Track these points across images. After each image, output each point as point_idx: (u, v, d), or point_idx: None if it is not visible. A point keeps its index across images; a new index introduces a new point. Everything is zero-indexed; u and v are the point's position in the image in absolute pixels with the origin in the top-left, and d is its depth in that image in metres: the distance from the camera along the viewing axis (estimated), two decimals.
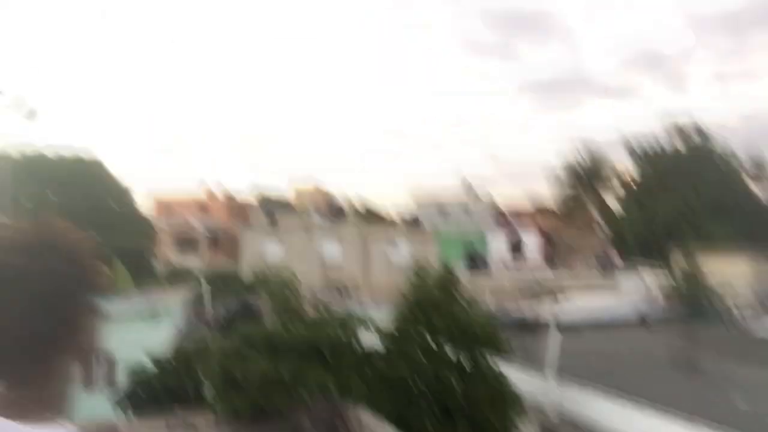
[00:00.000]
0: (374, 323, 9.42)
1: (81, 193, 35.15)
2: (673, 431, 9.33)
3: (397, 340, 9.28)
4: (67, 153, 38.68)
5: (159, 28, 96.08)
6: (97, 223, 23.68)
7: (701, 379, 12.14)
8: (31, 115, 11.65)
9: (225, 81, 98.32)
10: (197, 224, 44.39)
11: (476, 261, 36.68)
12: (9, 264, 1.12)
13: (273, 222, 40.75)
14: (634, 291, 25.95)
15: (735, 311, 24.47)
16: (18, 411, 1.17)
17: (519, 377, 10.05)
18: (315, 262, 34.24)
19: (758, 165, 43.72)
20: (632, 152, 46.42)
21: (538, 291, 26.56)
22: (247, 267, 35.66)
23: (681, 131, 44.69)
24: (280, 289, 9.11)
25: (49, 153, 37.76)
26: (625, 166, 48.43)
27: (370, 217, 47.47)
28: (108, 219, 33.79)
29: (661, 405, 9.96)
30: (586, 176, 50.24)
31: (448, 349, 9.22)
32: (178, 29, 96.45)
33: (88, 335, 1.25)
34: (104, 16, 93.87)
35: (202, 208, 48.39)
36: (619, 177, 49.51)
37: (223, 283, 30.45)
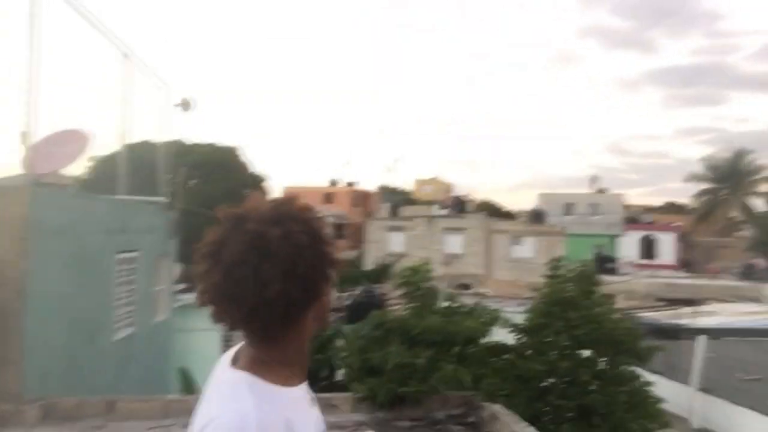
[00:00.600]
0: (507, 319, 9.29)
1: (218, 179, 37.36)
2: None
3: (532, 335, 9.10)
4: (206, 142, 41.28)
5: (294, 28, 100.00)
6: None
7: None
8: (187, 105, 12.46)
9: (354, 80, 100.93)
10: (323, 213, 45.89)
11: (605, 262, 35.17)
12: (265, 233, 1.22)
13: (396, 213, 41.27)
14: None
15: None
16: (264, 370, 1.28)
17: (658, 385, 9.54)
18: (436, 254, 34.29)
19: None
20: None
21: (674, 296, 25.08)
22: (370, 256, 36.42)
23: None
24: (413, 278, 9.17)
25: (190, 141, 40.42)
26: None
27: (493, 211, 46.88)
28: (241, 204, 35.88)
29: None
30: (728, 175, 46.66)
31: (586, 350, 8.92)
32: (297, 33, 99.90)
33: (325, 303, 1.35)
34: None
35: (328, 198, 49.91)
36: (766, 176, 45.56)
37: (348, 272, 31.33)
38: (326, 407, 7.51)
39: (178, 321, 12.63)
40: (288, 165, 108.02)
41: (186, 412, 1.29)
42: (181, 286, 13.91)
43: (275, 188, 49.48)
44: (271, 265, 1.20)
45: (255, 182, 42.58)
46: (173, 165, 13.68)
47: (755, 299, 26.22)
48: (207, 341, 10.75)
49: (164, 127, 13.04)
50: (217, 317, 1.26)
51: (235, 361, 1.33)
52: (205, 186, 36.47)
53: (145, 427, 6.95)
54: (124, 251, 9.89)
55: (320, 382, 10.36)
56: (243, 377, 1.26)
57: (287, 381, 1.30)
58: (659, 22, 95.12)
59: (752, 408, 9.94)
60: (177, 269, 13.64)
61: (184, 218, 13.43)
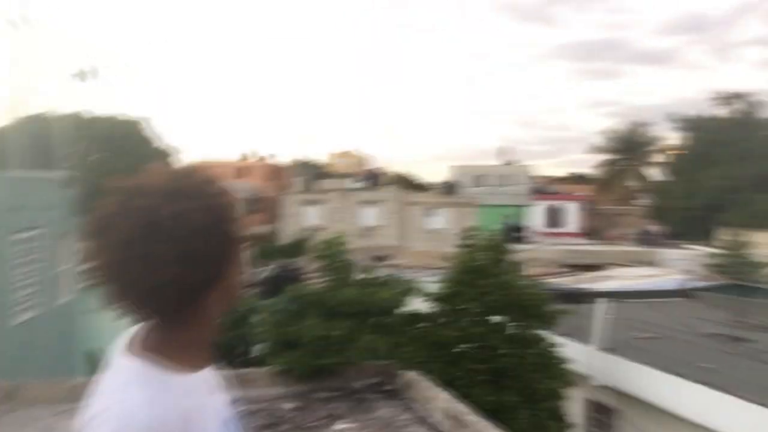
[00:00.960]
0: (421, 289, 9.50)
1: (124, 153, 35.81)
2: (717, 402, 9.28)
3: (445, 304, 9.35)
4: (112, 114, 39.38)
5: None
6: None
7: (745, 351, 12.00)
8: (89, 75, 11.82)
9: (266, 48, 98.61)
10: (236, 188, 44.87)
11: (514, 231, 36.43)
12: (158, 211, 1.12)
13: (311, 187, 40.99)
14: (677, 264, 25.58)
15: None
16: (162, 356, 1.20)
17: (563, 347, 10.06)
18: (352, 227, 34.43)
19: None
20: (675, 121, 45.20)
21: (578, 262, 26.37)
22: (286, 231, 36.11)
23: (726, 99, 43.25)
24: (329, 252, 9.19)
25: (95, 113, 38.45)
26: (668, 135, 47.30)
27: (407, 183, 47.42)
28: (136, 175, 34.59)
29: (706, 377, 9.90)
30: (626, 145, 49.20)
31: (496, 316, 9.26)
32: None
33: (230, 283, 1.25)
34: None
35: (241, 172, 48.84)
36: (661, 147, 48.39)
37: (263, 247, 30.96)
38: (244, 383, 7.46)
39: (85, 301, 12.10)
40: (201, 139, 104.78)
41: None
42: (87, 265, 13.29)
43: (185, 162, 47.99)
44: (164, 246, 1.09)
45: (163, 156, 41.10)
46: (74, 138, 12.97)
47: (651, 263, 27.98)
48: (116, 321, 10.36)
49: (63, 99, 12.32)
50: (108, 300, 1.16)
51: (131, 346, 1.23)
52: (109, 160, 34.87)
53: (51, 412, 6.66)
54: (21, 230, 9.34)
55: (237, 358, 10.25)
56: (138, 365, 1.18)
57: (188, 366, 1.22)
58: None
59: (648, 364, 10.65)
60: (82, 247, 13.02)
61: (88, 194, 12.80)
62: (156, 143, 41.81)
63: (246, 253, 1.28)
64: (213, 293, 1.19)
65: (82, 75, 12.24)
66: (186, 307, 1.17)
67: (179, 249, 1.10)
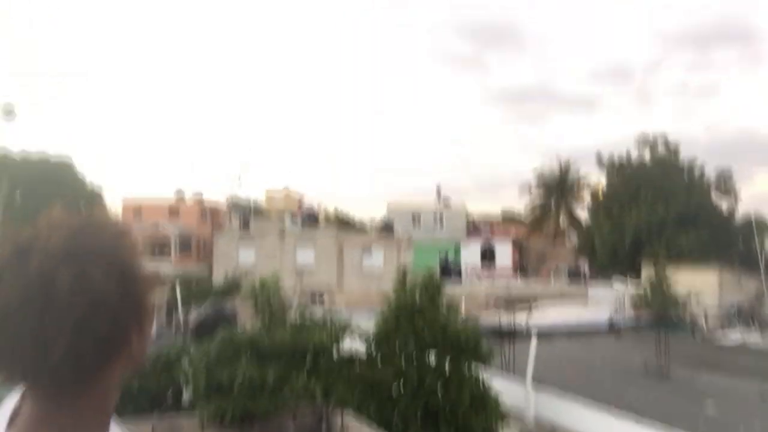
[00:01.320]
0: (357, 329, 9.49)
1: (49, 195, 34.55)
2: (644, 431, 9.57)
3: (381, 344, 9.36)
4: (35, 154, 38.07)
5: (137, 31, 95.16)
6: None
7: (670, 385, 12.47)
8: (9, 113, 11.44)
9: (199, 84, 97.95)
10: (168, 228, 43.83)
11: (449, 269, 36.92)
12: (53, 275, 0.96)
13: (245, 227, 40.52)
14: (604, 300, 26.43)
15: (701, 320, 25.08)
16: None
17: (497, 383, 10.21)
18: (288, 267, 34.11)
19: (722, 177, 44.88)
20: (601, 164, 47.29)
21: (511, 300, 26.86)
22: (219, 272, 35.39)
23: (648, 143, 45.69)
24: (262, 293, 9.09)
25: (17, 154, 37.11)
26: (595, 177, 49.38)
27: (344, 223, 47.47)
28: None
29: (632, 410, 10.20)
30: (555, 187, 51.07)
31: (431, 354, 9.33)
32: (156, 29, 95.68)
33: (136, 350, 1.09)
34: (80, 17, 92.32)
35: (173, 212, 47.79)
36: (588, 188, 50.44)
37: (196, 288, 30.21)
38: (173, 430, 7.22)
39: None
40: (133, 177, 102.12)
41: None
42: None
43: (116, 202, 46.66)
44: (58, 316, 0.94)
45: (92, 197, 39.88)
46: None
47: (580, 299, 28.80)
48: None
49: None
50: None
51: (11, 423, 1.05)
52: (34, 202, 33.53)
53: None
54: None
55: (166, 404, 9.89)
56: None
57: None
58: (493, 46, 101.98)
59: (578, 397, 10.91)
60: None
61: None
62: (87, 183, 40.60)
63: (151, 319, 1.10)
64: (117, 363, 1.05)
65: (7, 112, 11.82)
66: (80, 382, 1.02)
67: (78, 320, 0.95)
